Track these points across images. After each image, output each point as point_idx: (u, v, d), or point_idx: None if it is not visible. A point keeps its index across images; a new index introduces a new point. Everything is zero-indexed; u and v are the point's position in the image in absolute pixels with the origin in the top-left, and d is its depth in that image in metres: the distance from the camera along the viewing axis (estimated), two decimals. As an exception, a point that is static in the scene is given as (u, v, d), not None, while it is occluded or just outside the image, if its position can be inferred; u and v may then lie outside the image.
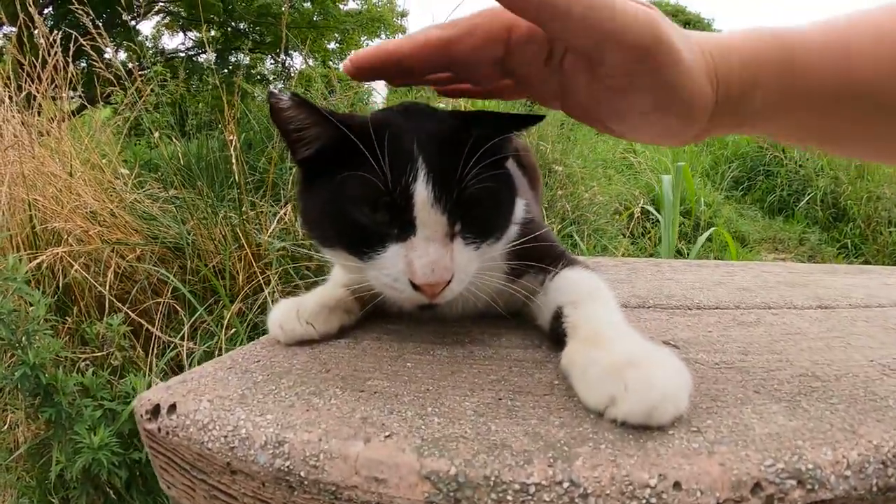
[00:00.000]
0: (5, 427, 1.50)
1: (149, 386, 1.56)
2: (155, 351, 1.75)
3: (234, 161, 2.26)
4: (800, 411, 0.37)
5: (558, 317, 0.48)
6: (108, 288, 1.70)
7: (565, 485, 0.29)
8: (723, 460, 0.30)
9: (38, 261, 1.55)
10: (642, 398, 0.34)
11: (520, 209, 0.54)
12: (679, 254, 2.65)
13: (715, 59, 0.38)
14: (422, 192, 0.43)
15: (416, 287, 0.44)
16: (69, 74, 2.23)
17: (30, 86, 2.12)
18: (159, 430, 0.38)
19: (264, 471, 0.33)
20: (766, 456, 0.31)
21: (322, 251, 0.51)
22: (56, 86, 2.27)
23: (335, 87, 4.11)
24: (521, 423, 0.34)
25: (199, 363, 1.75)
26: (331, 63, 5.12)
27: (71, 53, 2.23)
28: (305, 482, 0.31)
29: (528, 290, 0.53)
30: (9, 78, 2.09)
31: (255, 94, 4.31)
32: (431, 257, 0.43)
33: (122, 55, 3.69)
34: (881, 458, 0.31)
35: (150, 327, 1.75)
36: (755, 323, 0.61)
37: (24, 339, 1.17)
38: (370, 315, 0.56)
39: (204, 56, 4.48)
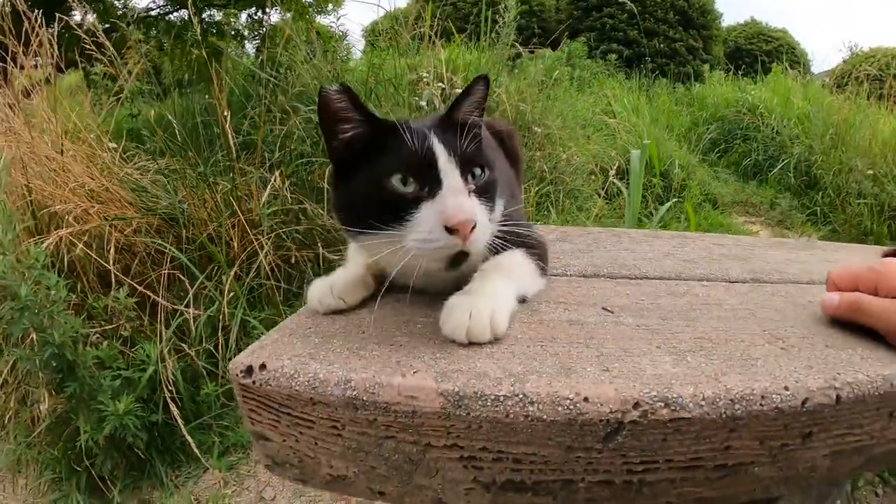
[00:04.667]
0: (23, 406, 1.60)
1: (161, 353, 1.69)
2: (161, 319, 1.86)
3: (223, 128, 2.29)
4: (683, 363, 0.51)
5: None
6: (111, 263, 1.79)
7: (520, 396, 0.46)
8: (617, 387, 0.46)
9: (47, 242, 1.62)
10: (459, 325, 0.53)
11: (499, 208, 0.64)
12: (648, 217, 2.79)
13: None
14: (440, 150, 0.56)
15: (450, 232, 0.53)
16: (40, 38, 2.19)
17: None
18: (254, 382, 0.52)
19: (338, 400, 0.48)
20: (647, 387, 0.46)
21: (354, 237, 0.62)
22: (35, 54, 2.24)
23: (313, 43, 4.05)
24: (496, 361, 0.51)
25: (204, 328, 1.88)
26: (308, 17, 4.93)
27: (40, 16, 2.19)
28: (367, 403, 0.47)
29: None
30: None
31: (232, 51, 4.16)
32: (459, 199, 0.54)
33: (91, 17, 3.56)
34: (731, 397, 0.46)
35: (155, 297, 1.85)
36: (684, 294, 0.72)
37: (46, 320, 1.26)
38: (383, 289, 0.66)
39: (176, 14, 4.34)
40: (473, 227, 0.54)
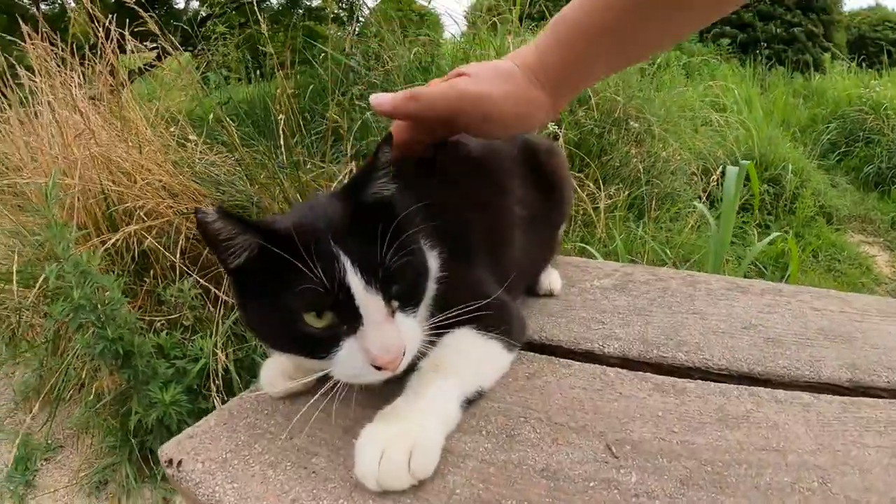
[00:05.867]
0: (94, 379, 1.73)
1: (214, 348, 1.74)
2: (222, 312, 1.92)
3: (292, 121, 2.29)
4: None
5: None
6: (178, 255, 1.86)
7: None
8: None
9: (114, 239, 1.70)
10: (369, 472, 0.44)
11: (433, 267, 0.56)
12: (743, 238, 2.37)
13: (534, 67, 0.59)
14: (356, 281, 0.46)
15: (378, 367, 0.47)
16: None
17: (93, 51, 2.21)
18: (173, 476, 0.52)
19: None
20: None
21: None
22: (129, 40, 2.35)
23: (408, 26, 3.98)
24: None
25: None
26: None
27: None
28: None
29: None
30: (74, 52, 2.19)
31: (332, 34, 4.18)
32: (384, 338, 0.47)
33: (195, 4, 3.74)
34: None
35: (216, 291, 1.90)
36: (737, 422, 0.52)
37: (103, 317, 1.33)
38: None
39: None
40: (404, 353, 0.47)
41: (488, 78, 0.59)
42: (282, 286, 0.46)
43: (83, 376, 1.77)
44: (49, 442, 1.79)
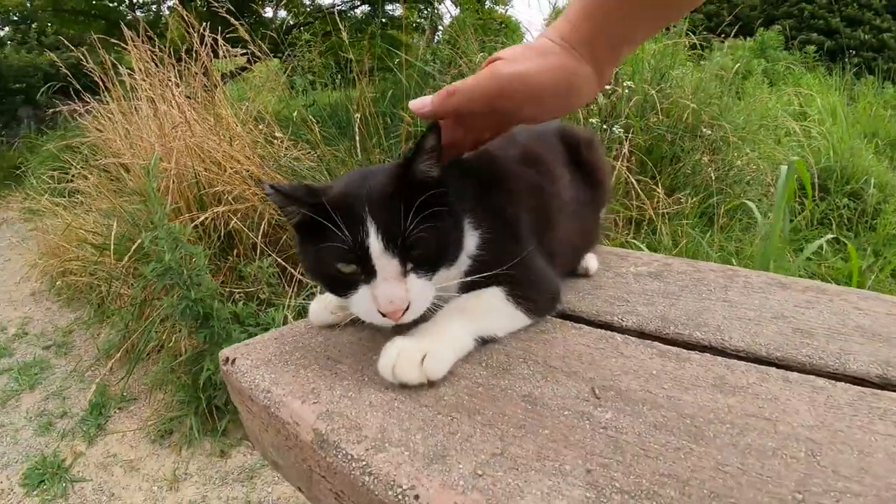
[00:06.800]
0: (172, 341, 1.95)
1: (284, 319, 1.90)
2: (296, 289, 2.10)
3: (370, 123, 2.44)
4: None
5: None
6: (260, 237, 2.07)
7: (364, 463, 0.45)
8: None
9: (202, 218, 1.91)
10: (386, 365, 0.53)
11: (471, 244, 0.62)
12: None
13: (570, 38, 0.57)
14: (375, 245, 0.54)
15: (383, 314, 0.55)
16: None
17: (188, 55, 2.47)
18: (226, 371, 0.63)
19: (259, 404, 0.56)
20: None
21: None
22: (221, 45, 2.60)
23: (486, 33, 4.05)
24: (389, 417, 0.50)
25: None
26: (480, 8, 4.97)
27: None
28: (273, 415, 0.54)
29: None
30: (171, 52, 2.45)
31: (413, 42, 4.37)
32: (389, 292, 0.55)
33: (282, 13, 4.04)
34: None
35: (292, 270, 2.10)
36: (734, 391, 0.52)
37: (188, 280, 1.52)
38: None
39: (360, 9, 4.74)
40: (407, 308, 0.55)
41: (523, 56, 0.58)
42: (322, 240, 0.56)
43: (163, 338, 2.01)
44: (124, 394, 2.03)
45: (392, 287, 0.55)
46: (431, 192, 0.56)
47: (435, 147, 0.56)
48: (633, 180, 2.36)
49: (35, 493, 1.60)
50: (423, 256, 0.57)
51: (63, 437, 1.84)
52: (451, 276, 0.62)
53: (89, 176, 2.88)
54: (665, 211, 2.39)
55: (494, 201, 0.67)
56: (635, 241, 2.02)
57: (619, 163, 2.36)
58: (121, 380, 2.09)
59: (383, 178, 0.59)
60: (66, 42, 3.07)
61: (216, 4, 2.59)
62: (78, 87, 2.79)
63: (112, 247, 2.15)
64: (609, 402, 0.50)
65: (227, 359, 0.64)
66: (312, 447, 0.49)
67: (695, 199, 2.49)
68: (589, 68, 0.58)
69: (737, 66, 3.16)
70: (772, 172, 2.74)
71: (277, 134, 2.48)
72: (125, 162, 2.30)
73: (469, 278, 0.61)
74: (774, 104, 3.57)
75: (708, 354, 0.60)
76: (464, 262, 0.62)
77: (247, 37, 2.42)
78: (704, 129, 2.66)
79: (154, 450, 1.78)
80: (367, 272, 0.56)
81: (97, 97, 2.83)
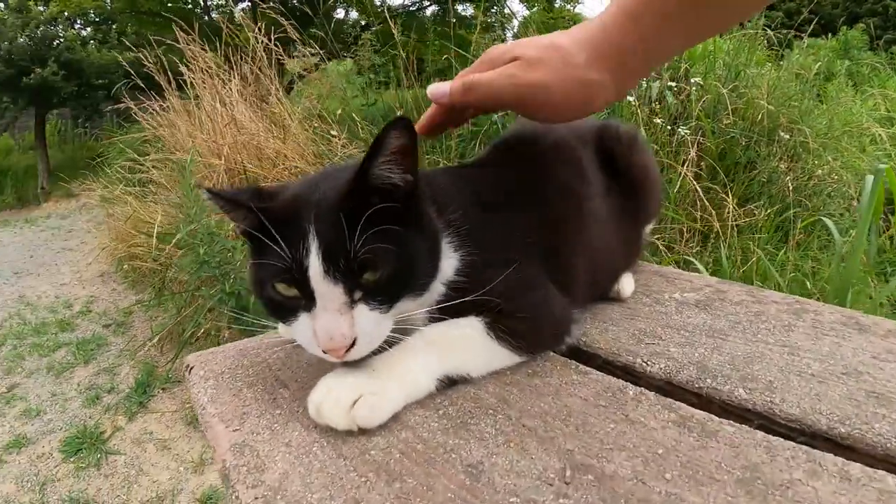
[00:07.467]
0: (216, 329, 2.01)
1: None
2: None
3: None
4: None
5: None
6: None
7: None
8: None
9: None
10: (311, 402, 0.47)
11: (448, 269, 0.53)
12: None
13: (599, 45, 0.53)
14: (315, 266, 0.45)
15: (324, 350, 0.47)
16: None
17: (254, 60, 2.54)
18: (185, 378, 0.63)
19: (200, 415, 0.55)
20: None
21: None
22: (295, 47, 2.67)
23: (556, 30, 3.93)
24: (294, 459, 0.45)
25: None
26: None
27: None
28: (206, 429, 0.52)
29: None
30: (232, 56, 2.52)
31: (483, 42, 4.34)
32: (328, 327, 0.45)
33: (354, 14, 4.11)
34: None
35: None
36: (766, 491, 0.38)
37: (223, 275, 1.55)
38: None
39: (430, 9, 4.74)
40: (353, 344, 0.46)
41: (543, 64, 0.54)
42: (262, 254, 0.48)
43: (209, 326, 2.07)
44: (169, 375, 2.12)
45: (332, 320, 0.45)
46: (393, 203, 0.47)
47: (403, 148, 0.46)
48: (699, 188, 2.16)
49: (72, 459, 1.71)
50: (375, 284, 0.47)
51: (107, 410, 1.96)
52: (418, 305, 0.52)
53: (160, 168, 3.04)
54: (736, 223, 2.18)
55: (486, 215, 0.57)
56: (693, 259, 1.84)
57: (684, 168, 2.18)
58: (169, 362, 2.17)
59: (340, 181, 0.49)
60: (149, 40, 3.25)
61: (284, 9, 2.66)
62: (150, 85, 2.96)
63: (175, 236, 2.24)
64: (580, 492, 0.38)
65: (188, 366, 0.63)
66: (222, 473, 0.46)
67: (769, 210, 2.26)
68: (610, 79, 0.54)
69: (818, 65, 2.84)
70: (855, 184, 2.43)
71: (333, 132, 2.50)
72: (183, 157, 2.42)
73: (439, 306, 0.52)
74: (859, 108, 3.20)
75: (746, 428, 0.47)
76: (437, 289, 0.52)
77: (312, 42, 2.47)
78: (782, 134, 2.41)
79: (188, 432, 1.85)
80: (308, 298, 0.46)
81: (166, 94, 2.99)
